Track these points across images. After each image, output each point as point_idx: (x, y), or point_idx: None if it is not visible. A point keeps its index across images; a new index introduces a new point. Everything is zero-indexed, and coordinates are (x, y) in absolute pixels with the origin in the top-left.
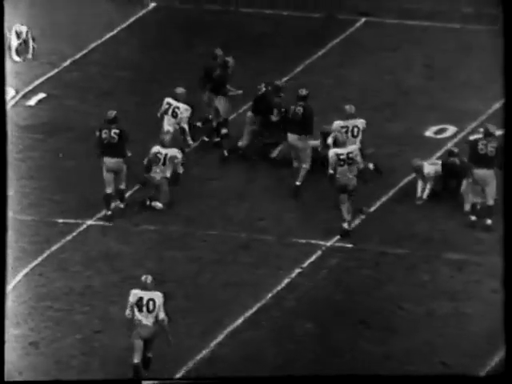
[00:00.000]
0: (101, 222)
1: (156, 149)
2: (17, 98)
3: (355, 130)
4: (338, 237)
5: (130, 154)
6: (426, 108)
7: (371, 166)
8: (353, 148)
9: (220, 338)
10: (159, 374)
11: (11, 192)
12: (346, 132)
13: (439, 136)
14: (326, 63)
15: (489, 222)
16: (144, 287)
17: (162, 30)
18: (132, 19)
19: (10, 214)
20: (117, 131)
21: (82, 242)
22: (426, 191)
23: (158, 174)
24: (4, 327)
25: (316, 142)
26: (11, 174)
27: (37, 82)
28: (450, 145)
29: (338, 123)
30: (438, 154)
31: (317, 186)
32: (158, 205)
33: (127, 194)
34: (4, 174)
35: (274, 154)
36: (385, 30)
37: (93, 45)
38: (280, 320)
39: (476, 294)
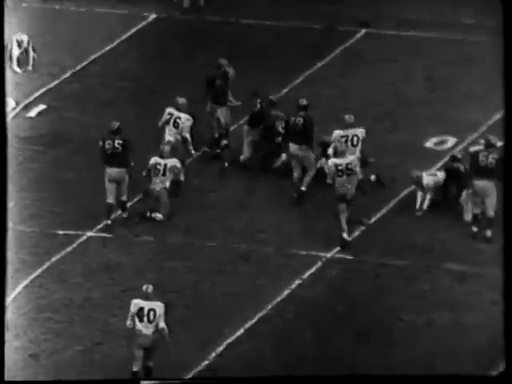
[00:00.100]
0: (101, 234)
1: (155, 160)
2: (17, 109)
3: (355, 139)
4: (338, 248)
5: (133, 164)
6: (427, 119)
7: (373, 177)
8: (352, 158)
9: (220, 348)
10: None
11: (11, 203)
12: (346, 141)
13: (439, 147)
14: (327, 74)
15: (489, 233)
16: (145, 297)
17: (163, 41)
18: (133, 30)
19: (10, 225)
20: (120, 141)
21: (82, 254)
22: (426, 202)
23: (158, 184)
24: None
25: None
26: (11, 185)
27: (37, 94)
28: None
29: (337, 133)
30: (439, 165)
31: (317, 198)
32: (158, 216)
33: (128, 205)
34: (4, 185)
35: (277, 164)
36: (385, 41)
37: (93, 56)
38: (280, 331)
39: (476, 305)
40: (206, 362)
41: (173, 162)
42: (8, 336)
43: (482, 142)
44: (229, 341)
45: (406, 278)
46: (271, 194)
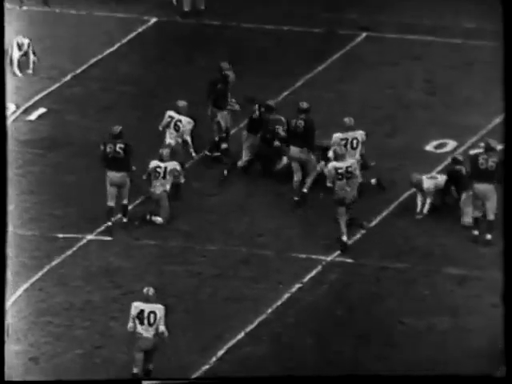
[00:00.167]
0: (101, 237)
1: (154, 163)
2: (17, 112)
3: (354, 141)
4: (338, 252)
5: (134, 168)
6: (427, 122)
7: (373, 181)
8: (351, 162)
9: (220, 352)
10: None
11: (11, 207)
12: (346, 144)
13: (439, 150)
14: (327, 78)
15: (489, 236)
16: (146, 299)
17: (163, 45)
18: (133, 34)
19: (11, 228)
20: (122, 146)
21: (83, 257)
22: (426, 206)
23: (158, 187)
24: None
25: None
26: (11, 188)
27: (37, 97)
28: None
29: (337, 136)
30: (439, 168)
31: (317, 201)
32: (159, 219)
33: (129, 208)
34: (4, 188)
35: (278, 167)
36: (385, 45)
37: (94, 59)
38: (280, 335)
39: (476, 309)
40: (207, 366)
41: (173, 164)
42: (8, 339)
43: (482, 145)
44: (229, 345)
45: (407, 282)
46: (271, 197)
